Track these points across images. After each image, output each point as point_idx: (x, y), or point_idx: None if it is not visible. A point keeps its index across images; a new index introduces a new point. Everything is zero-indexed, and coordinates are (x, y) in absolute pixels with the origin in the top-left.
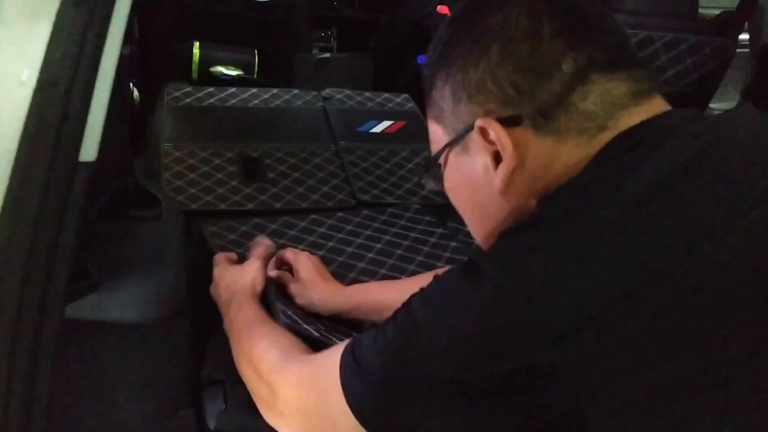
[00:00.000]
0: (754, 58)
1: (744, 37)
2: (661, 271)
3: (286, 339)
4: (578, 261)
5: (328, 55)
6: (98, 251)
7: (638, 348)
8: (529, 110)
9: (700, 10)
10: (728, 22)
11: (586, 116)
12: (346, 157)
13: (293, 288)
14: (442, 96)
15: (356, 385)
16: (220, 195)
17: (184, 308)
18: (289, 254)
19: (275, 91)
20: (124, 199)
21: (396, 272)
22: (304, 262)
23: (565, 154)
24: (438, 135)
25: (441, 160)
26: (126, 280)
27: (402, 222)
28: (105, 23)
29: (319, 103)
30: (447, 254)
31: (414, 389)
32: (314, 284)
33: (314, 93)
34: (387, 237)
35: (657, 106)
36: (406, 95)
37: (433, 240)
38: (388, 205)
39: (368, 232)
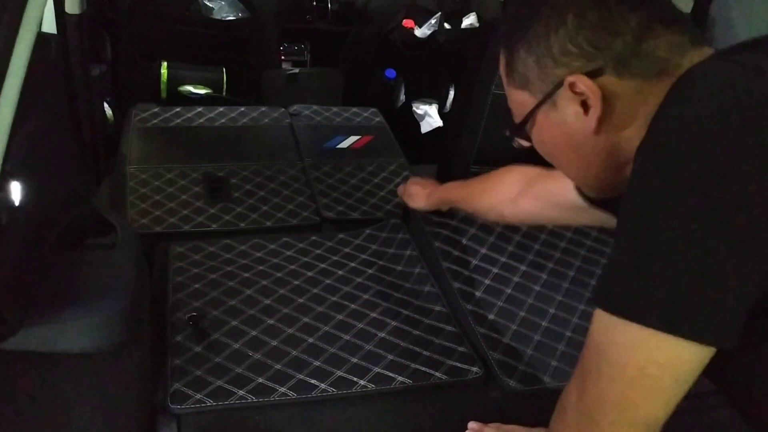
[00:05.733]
0: None
1: None
2: None
3: None
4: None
5: (297, 70)
6: (49, 283)
7: None
8: (609, 62)
9: None
10: None
11: (659, 61)
12: (311, 174)
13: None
14: (526, 66)
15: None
16: (184, 216)
17: (136, 336)
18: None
19: (242, 109)
20: (79, 227)
21: (347, 300)
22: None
23: (652, 93)
24: (524, 100)
25: (530, 122)
26: (76, 310)
27: (374, 247)
28: (11, 31)
29: (287, 120)
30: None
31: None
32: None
33: (281, 110)
34: (352, 264)
35: (711, 51)
36: (374, 109)
37: (399, 268)
38: (353, 221)
39: (335, 258)
